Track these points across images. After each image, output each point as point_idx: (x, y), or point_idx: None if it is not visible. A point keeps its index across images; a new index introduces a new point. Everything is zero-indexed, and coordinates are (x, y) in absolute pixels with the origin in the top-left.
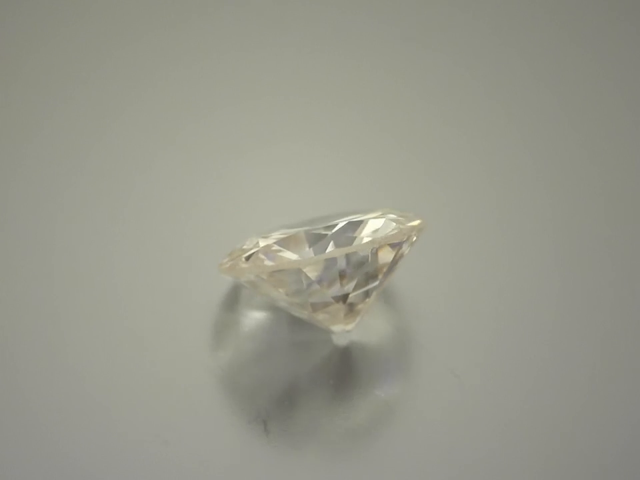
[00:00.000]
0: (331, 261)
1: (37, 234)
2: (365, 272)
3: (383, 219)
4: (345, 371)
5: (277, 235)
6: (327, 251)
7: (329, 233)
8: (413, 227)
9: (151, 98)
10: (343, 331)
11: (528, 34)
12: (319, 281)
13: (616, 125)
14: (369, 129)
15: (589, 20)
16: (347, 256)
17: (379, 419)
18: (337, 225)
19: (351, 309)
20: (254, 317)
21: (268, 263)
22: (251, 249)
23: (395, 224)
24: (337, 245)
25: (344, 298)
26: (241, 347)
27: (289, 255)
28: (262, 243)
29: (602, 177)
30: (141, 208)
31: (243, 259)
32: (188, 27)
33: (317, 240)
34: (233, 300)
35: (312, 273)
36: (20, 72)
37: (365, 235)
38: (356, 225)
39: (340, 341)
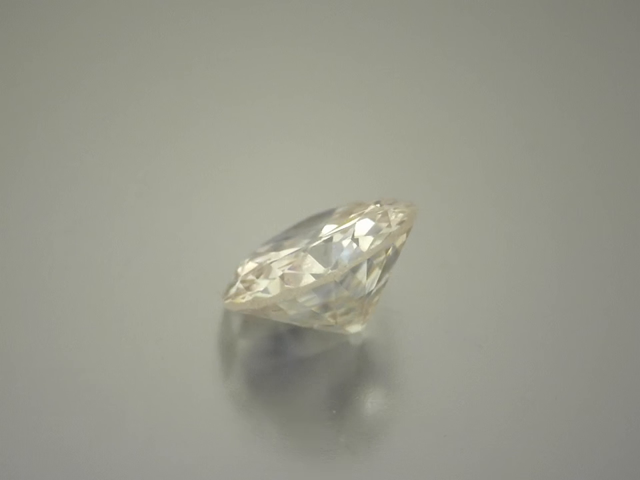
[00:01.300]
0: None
1: (35, 244)
2: (382, 267)
3: (375, 212)
4: (371, 369)
5: (275, 261)
6: (349, 257)
7: (333, 242)
8: (413, 212)
9: (149, 99)
10: (358, 330)
11: (522, 22)
12: (346, 286)
13: (611, 118)
14: (361, 125)
15: (589, 17)
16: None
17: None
18: (333, 232)
19: (369, 306)
20: (259, 339)
21: (290, 286)
22: (255, 281)
23: (392, 211)
24: (351, 250)
25: (367, 296)
26: (264, 372)
27: (308, 273)
28: (274, 271)
29: (599, 170)
30: (139, 213)
31: (260, 292)
32: (186, 28)
33: (326, 253)
34: (229, 323)
35: (339, 279)
36: (20, 74)
37: (368, 232)
38: (354, 226)
39: (356, 341)
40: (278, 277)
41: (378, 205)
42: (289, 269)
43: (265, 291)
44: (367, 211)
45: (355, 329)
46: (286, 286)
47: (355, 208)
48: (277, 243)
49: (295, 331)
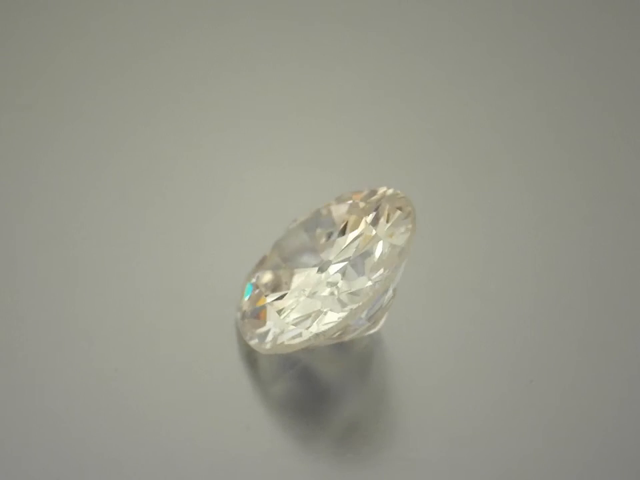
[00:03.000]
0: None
1: (56, 248)
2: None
3: (383, 209)
4: (397, 365)
5: (306, 295)
6: (394, 258)
7: (351, 255)
8: (411, 206)
9: (158, 105)
10: (379, 328)
11: (507, 24)
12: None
13: (611, 117)
14: (359, 122)
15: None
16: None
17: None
18: (343, 246)
19: (389, 304)
20: (291, 369)
21: (352, 307)
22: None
23: (395, 204)
24: (372, 257)
25: (394, 292)
26: (308, 400)
27: (350, 290)
28: (313, 304)
29: (595, 169)
30: (149, 223)
31: (305, 332)
32: (188, 46)
33: (360, 265)
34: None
35: (395, 282)
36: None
37: (396, 231)
38: (363, 230)
39: (377, 337)
40: (328, 309)
41: (358, 200)
42: (339, 292)
43: (321, 321)
44: (372, 211)
45: (376, 328)
46: (349, 307)
47: (340, 209)
48: (273, 281)
49: (313, 357)
